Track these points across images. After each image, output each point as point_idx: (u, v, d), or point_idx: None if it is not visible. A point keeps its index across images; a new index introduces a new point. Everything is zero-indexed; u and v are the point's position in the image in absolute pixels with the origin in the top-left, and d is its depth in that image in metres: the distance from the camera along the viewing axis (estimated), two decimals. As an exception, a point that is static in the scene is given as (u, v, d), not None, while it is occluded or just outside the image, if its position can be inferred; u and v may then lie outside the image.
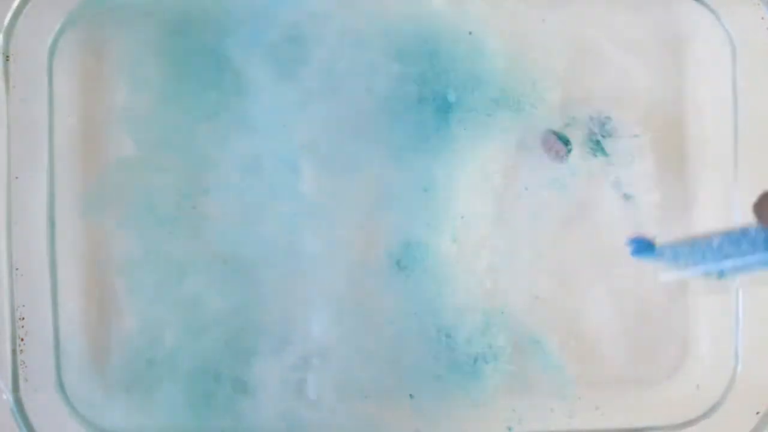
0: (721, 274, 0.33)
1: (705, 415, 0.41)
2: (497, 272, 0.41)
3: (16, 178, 0.39)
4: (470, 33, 0.41)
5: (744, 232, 0.33)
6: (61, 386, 0.40)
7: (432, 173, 0.41)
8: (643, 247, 0.35)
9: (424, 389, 0.41)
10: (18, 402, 0.39)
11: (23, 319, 0.39)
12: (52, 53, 0.40)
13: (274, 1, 0.41)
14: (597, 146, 0.42)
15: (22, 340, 0.39)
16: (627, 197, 0.42)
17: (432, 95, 0.41)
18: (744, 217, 0.40)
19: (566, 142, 0.41)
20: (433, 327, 0.41)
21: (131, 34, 0.42)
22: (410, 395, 0.41)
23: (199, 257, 0.41)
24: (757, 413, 0.39)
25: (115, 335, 0.41)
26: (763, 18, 0.40)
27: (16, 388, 0.39)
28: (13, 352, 0.39)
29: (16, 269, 0.39)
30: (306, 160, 0.41)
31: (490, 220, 0.41)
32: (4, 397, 0.38)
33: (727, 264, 0.32)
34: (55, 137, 0.40)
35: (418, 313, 0.41)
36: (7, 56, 0.39)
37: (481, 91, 0.41)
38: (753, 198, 0.40)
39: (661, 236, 0.35)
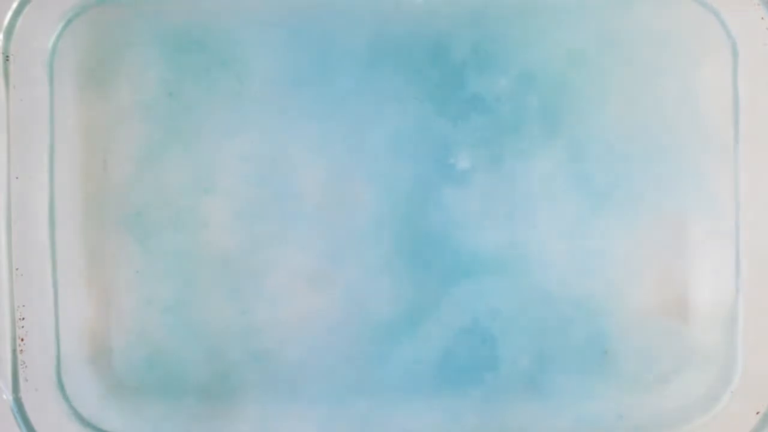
0: None
1: (705, 415, 0.41)
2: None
3: (16, 178, 0.39)
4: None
5: None
6: (61, 386, 0.40)
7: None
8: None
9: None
10: (18, 402, 0.39)
11: (23, 319, 0.39)
12: (52, 53, 0.40)
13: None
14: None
15: (22, 340, 0.39)
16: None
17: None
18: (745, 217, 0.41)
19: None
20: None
21: (131, 34, 0.42)
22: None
23: (200, 257, 0.41)
24: (757, 413, 0.39)
25: (115, 335, 0.41)
26: (763, 18, 0.40)
27: (16, 388, 0.39)
28: (13, 352, 0.39)
29: (16, 269, 0.39)
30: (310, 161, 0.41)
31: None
32: (4, 397, 0.38)
33: None
34: (55, 137, 0.41)
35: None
36: (7, 56, 0.39)
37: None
38: (754, 198, 0.41)
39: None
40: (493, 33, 0.42)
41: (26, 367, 0.39)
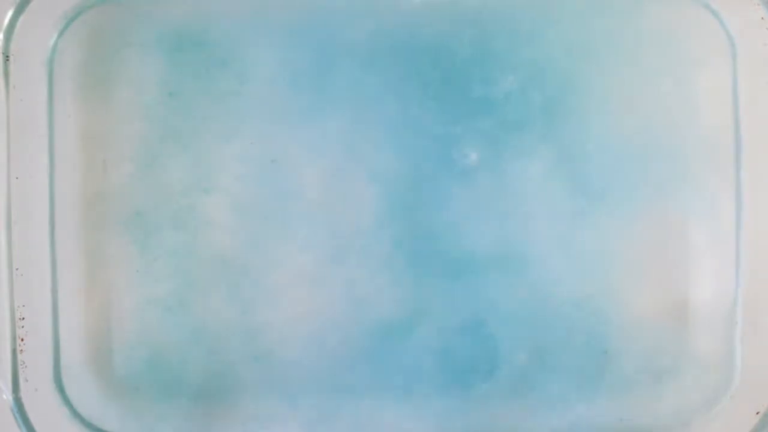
0: None
1: (705, 416, 0.41)
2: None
3: (17, 178, 0.39)
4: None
5: None
6: (60, 386, 0.40)
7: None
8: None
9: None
10: (18, 402, 0.39)
11: (23, 319, 0.39)
12: (52, 53, 0.40)
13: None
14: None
15: (22, 340, 0.39)
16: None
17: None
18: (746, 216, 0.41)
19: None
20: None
21: (132, 34, 0.42)
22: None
23: (199, 258, 0.41)
24: (757, 413, 0.39)
25: (115, 335, 0.41)
26: (763, 18, 0.40)
27: (16, 388, 0.39)
28: (13, 352, 0.39)
29: (16, 269, 0.39)
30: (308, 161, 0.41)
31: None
32: (4, 397, 0.38)
33: None
34: (56, 137, 0.41)
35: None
36: (7, 56, 0.39)
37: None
38: (754, 198, 0.41)
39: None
40: (489, 33, 0.42)
41: (26, 367, 0.39)
